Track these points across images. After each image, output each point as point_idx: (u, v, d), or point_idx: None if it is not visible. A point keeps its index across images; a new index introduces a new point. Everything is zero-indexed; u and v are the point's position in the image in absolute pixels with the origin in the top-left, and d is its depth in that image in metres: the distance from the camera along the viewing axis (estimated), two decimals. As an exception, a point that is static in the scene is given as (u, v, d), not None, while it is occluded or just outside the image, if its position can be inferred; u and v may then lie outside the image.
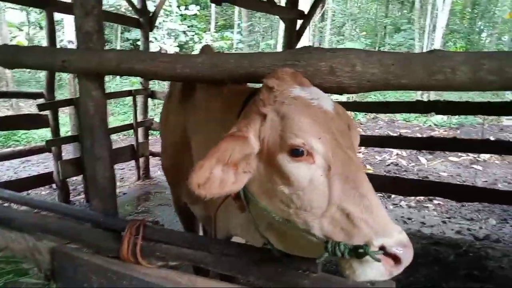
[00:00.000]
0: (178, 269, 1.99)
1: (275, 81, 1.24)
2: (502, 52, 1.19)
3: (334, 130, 1.14)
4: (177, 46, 15.02)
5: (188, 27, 16.45)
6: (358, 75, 1.34)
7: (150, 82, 6.13)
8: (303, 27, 4.88)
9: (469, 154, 6.91)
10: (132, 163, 6.33)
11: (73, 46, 7.71)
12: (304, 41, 13.79)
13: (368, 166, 7.05)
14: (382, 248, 0.99)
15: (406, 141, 4.65)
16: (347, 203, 1.04)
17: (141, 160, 6.15)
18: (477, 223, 4.92)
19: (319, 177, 1.10)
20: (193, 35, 16.27)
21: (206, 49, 2.22)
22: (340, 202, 1.05)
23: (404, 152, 7.46)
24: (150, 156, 6.35)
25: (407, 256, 1.00)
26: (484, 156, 6.93)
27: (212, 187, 1.12)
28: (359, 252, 1.00)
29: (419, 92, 13.46)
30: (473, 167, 6.54)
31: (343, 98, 12.28)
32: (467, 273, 3.47)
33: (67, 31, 7.78)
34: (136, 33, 14.44)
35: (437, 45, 14.68)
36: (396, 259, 0.99)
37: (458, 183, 5.83)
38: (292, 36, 4.83)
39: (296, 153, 1.11)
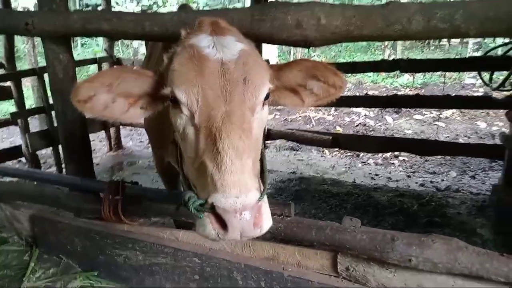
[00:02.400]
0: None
1: (187, 30, 1.27)
2: (452, 2, 1.28)
3: (213, 82, 1.10)
4: (140, 10, 14.40)
5: (152, -11, 15.76)
6: (323, 27, 1.41)
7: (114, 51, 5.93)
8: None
9: (432, 111, 7.24)
10: (103, 134, 6.24)
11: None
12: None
13: (337, 127, 7.27)
14: (212, 206, 0.97)
15: (372, 100, 4.84)
16: (206, 157, 1.03)
17: (112, 130, 6.06)
18: (439, 176, 5.24)
19: (189, 127, 1.12)
20: (156, -1, 15.64)
21: (184, 8, 2.20)
22: (202, 154, 1.05)
23: (371, 113, 7.72)
24: (120, 126, 6.27)
25: (236, 223, 0.96)
26: (447, 113, 7.28)
27: (94, 108, 1.18)
28: (187, 205, 1.02)
29: (386, 55, 13.75)
30: (436, 124, 6.88)
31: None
32: (428, 220, 3.76)
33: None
34: (96, -1, 13.71)
35: None
36: (223, 223, 0.97)
37: (423, 138, 6.14)
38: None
39: (172, 100, 1.14)
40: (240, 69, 1.12)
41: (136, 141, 7.16)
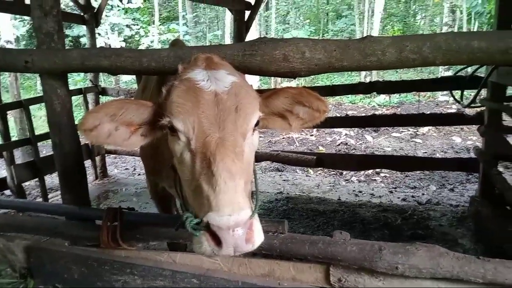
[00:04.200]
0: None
1: (184, 65, 1.41)
2: (420, 35, 1.47)
3: (207, 111, 1.20)
4: (122, 40, 14.58)
5: (132, 20, 16.01)
6: (307, 60, 1.57)
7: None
8: (251, 18, 5.07)
9: (410, 129, 7.56)
10: (88, 162, 6.23)
11: (12, 46, 7.31)
12: (252, 31, 14.00)
13: (320, 147, 7.47)
14: (207, 225, 1.04)
15: (352, 120, 5.07)
16: (202, 179, 1.11)
17: (97, 159, 6.07)
18: (420, 190, 5.46)
19: (186, 152, 1.22)
20: (138, 29, 15.86)
21: (176, 42, 2.34)
22: (198, 177, 1.13)
23: (351, 132, 7.99)
24: (106, 155, 6.28)
25: (229, 239, 1.02)
26: (423, 130, 7.61)
27: (100, 136, 1.30)
28: (185, 225, 1.10)
29: (363, 76, 14.28)
30: (413, 141, 7.18)
31: (293, 84, 12.72)
32: (412, 233, 3.92)
33: (3, 31, 7.34)
34: (78, 30, 13.81)
35: (376, 29, 15.54)
36: (218, 240, 1.04)
37: (403, 155, 6.39)
38: (242, 27, 5.00)
39: (170, 129, 1.26)
40: (232, 99, 1.24)
41: (121, 168, 7.15)
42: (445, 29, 12.83)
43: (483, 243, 3.61)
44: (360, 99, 11.85)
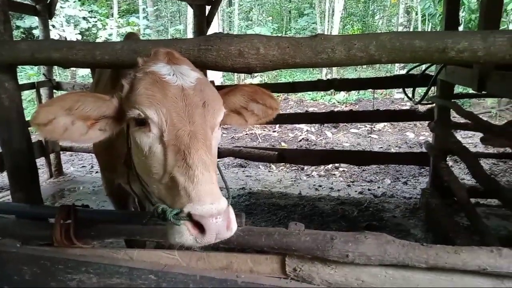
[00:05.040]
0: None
1: (144, 58, 1.41)
2: (367, 34, 1.55)
3: (178, 104, 1.22)
4: (79, 33, 13.97)
5: (89, 12, 15.37)
6: (262, 56, 1.60)
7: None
8: (212, 13, 5.04)
9: (366, 125, 7.86)
10: (42, 160, 5.95)
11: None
12: (214, 26, 13.90)
13: (282, 143, 7.59)
14: (189, 215, 1.07)
15: (312, 117, 5.20)
16: (176, 172, 1.13)
17: (52, 156, 5.81)
18: (376, 184, 5.70)
19: (157, 145, 1.22)
20: (95, 22, 15.25)
21: (131, 36, 2.29)
22: (171, 170, 1.15)
23: (312, 128, 8.18)
24: (61, 152, 6.03)
25: (213, 226, 1.07)
26: (379, 126, 7.94)
27: (55, 131, 1.25)
28: (164, 216, 1.11)
29: (324, 74, 14.62)
30: (370, 136, 7.47)
31: (256, 81, 12.80)
32: (368, 224, 4.10)
33: None
34: (30, 21, 13.06)
35: (336, 28, 15.95)
36: (201, 228, 1.07)
37: (359, 150, 6.64)
38: (202, 22, 4.96)
39: (138, 121, 1.25)
40: (198, 94, 1.27)
41: (78, 166, 6.90)
42: (400, 29, 13.41)
43: (432, 233, 3.84)
44: (321, 96, 12.12)
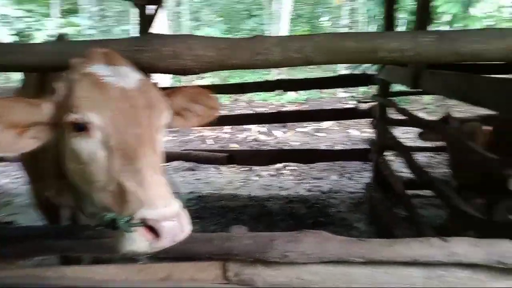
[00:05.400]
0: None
1: (78, 59, 1.31)
2: (303, 36, 1.56)
3: (122, 107, 1.17)
4: (14, 34, 12.95)
5: (27, 11, 14.29)
6: (198, 57, 1.56)
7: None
8: (156, 13, 4.90)
9: (314, 124, 8.06)
10: (-30, 171, 5.44)
11: None
12: (163, 26, 13.56)
13: (233, 144, 7.56)
14: (143, 220, 1.03)
15: (260, 117, 5.25)
16: (123, 177, 1.09)
17: (-19, 166, 5.34)
18: (323, 180, 5.84)
19: (100, 151, 1.15)
20: (33, 22, 14.22)
21: (61, 37, 2.15)
22: (118, 176, 1.10)
23: (263, 128, 8.24)
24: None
25: (169, 229, 1.04)
26: (326, 124, 8.19)
27: None
28: (113, 224, 1.06)
29: (273, 74, 14.79)
30: (317, 135, 7.69)
31: (207, 82, 12.66)
32: (314, 220, 4.20)
33: None
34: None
35: (285, 30, 16.23)
36: (155, 232, 1.04)
37: (306, 148, 6.79)
38: (145, 22, 4.81)
39: (77, 127, 1.16)
40: (143, 96, 1.23)
41: (13, 177, 6.38)
42: (345, 30, 13.94)
43: (375, 225, 4.02)
44: (271, 96, 12.27)
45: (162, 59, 1.56)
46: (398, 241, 1.62)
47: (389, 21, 3.96)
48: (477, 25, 9.43)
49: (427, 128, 2.98)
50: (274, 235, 1.65)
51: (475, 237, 1.65)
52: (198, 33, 16.33)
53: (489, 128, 2.69)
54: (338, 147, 7.08)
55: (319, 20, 24.94)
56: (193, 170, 6.40)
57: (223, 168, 6.40)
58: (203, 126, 1.67)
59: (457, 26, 9.25)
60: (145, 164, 1.10)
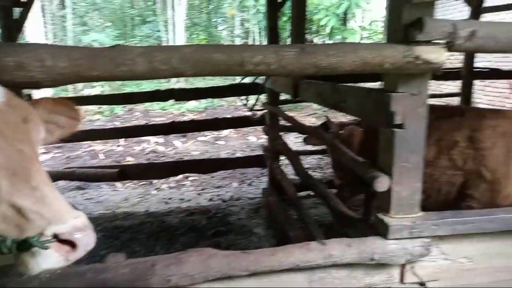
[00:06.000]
0: None
1: None
2: (170, 46, 1.50)
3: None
4: None
5: None
6: (49, 69, 1.37)
7: None
8: (23, 17, 4.34)
9: (214, 132, 8.08)
10: None
11: None
12: (39, 31, 12.23)
13: (128, 158, 7.13)
14: (55, 236, 1.01)
15: (154, 128, 5.01)
16: (18, 198, 1.02)
17: None
18: (224, 189, 5.85)
19: None
20: None
21: None
22: (10, 197, 1.02)
23: (161, 139, 7.95)
24: None
25: (83, 239, 1.04)
26: (226, 132, 8.25)
27: None
28: (25, 245, 1.01)
29: (172, 83, 14.46)
30: (217, 143, 7.69)
31: (96, 91, 11.77)
32: (215, 231, 4.15)
33: None
34: None
35: (181, 37, 16.04)
36: (72, 244, 1.02)
37: (207, 158, 6.74)
38: (11, 26, 4.23)
39: None
40: (13, 110, 1.14)
41: None
42: (237, 40, 14.33)
43: (273, 229, 4.13)
44: (171, 105, 11.96)
45: (6, 71, 1.34)
46: (279, 249, 1.65)
47: (272, 34, 4.12)
48: (353, 37, 10.55)
49: (308, 133, 3.16)
50: (154, 259, 1.54)
51: (356, 236, 1.77)
52: (85, 39, 15.22)
53: (361, 129, 2.96)
54: (238, 154, 7.19)
55: (217, 29, 25.32)
56: (82, 189, 5.84)
57: (118, 184, 5.98)
58: (63, 141, 1.51)
59: (337, 38, 10.25)
60: (39, 179, 1.06)
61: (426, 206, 2.32)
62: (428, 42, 1.53)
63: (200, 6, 24.95)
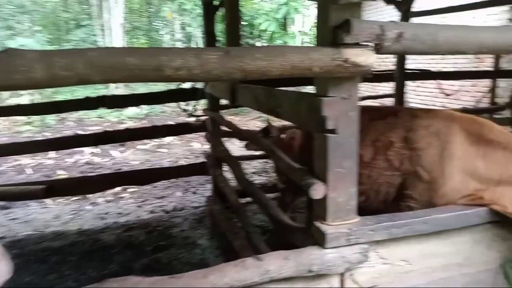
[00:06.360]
0: None
1: None
2: (73, 50, 1.30)
3: None
4: None
5: None
6: None
7: None
8: None
9: (155, 140, 7.73)
10: None
11: None
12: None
13: (60, 171, 6.59)
14: None
15: (79, 139, 4.64)
16: None
17: None
18: (167, 199, 5.58)
19: None
20: None
21: None
22: None
23: (96, 149, 7.45)
24: None
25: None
26: (168, 140, 7.94)
27: None
28: None
29: (111, 88, 13.72)
30: (159, 151, 7.37)
31: (25, 100, 10.82)
32: (155, 246, 3.91)
33: None
34: None
35: (118, 41, 15.31)
36: None
37: (148, 167, 6.42)
38: None
39: None
40: None
41: None
42: (178, 44, 14.00)
43: (217, 239, 3.98)
44: (109, 112, 11.33)
45: None
46: (212, 269, 1.51)
47: (210, 38, 3.99)
48: (294, 42, 10.75)
49: (248, 139, 3.07)
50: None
51: (299, 244, 1.69)
52: (11, 44, 13.97)
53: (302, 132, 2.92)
54: (182, 162, 6.93)
55: (159, 33, 24.56)
56: (7, 208, 5.27)
57: (48, 201, 5.48)
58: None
59: (277, 42, 10.38)
60: None
61: (367, 207, 2.36)
62: (356, 45, 1.48)
63: (140, 9, 24.12)
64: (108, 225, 4.60)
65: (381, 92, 7.38)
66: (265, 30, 10.44)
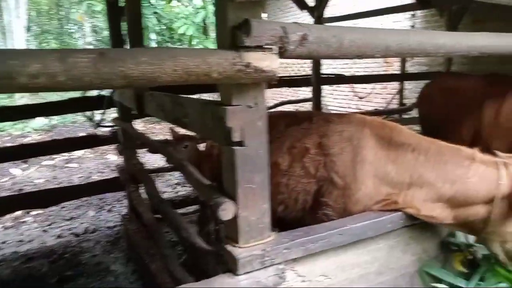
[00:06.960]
0: None
1: None
2: None
3: None
4: None
5: None
6: None
7: None
8: None
9: (64, 154, 6.97)
10: None
11: None
12: None
13: None
14: None
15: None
16: None
17: None
18: (78, 220, 5.02)
19: None
20: None
21: None
22: None
23: (-7, 168, 6.51)
24: None
25: None
26: (79, 153, 7.21)
27: None
28: None
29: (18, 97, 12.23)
30: (68, 166, 6.65)
31: None
32: (60, 277, 3.42)
33: None
34: None
35: (22, 44, 13.86)
36: None
37: (55, 186, 5.73)
38: None
39: None
40: None
41: None
42: (89, 47, 13.02)
43: (133, 262, 3.62)
44: (13, 124, 10.08)
45: None
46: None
47: (116, 41, 3.64)
48: (215, 46, 10.49)
49: (158, 152, 2.81)
50: None
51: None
52: None
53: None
54: (95, 177, 6.32)
55: (74, 37, 22.74)
56: None
57: None
58: None
59: (197, 47, 10.09)
60: None
61: (287, 216, 2.24)
62: (259, 48, 1.33)
63: (50, 12, 22.11)
64: (4, 256, 3.97)
65: (302, 97, 7.53)
66: (183, 34, 10.11)
